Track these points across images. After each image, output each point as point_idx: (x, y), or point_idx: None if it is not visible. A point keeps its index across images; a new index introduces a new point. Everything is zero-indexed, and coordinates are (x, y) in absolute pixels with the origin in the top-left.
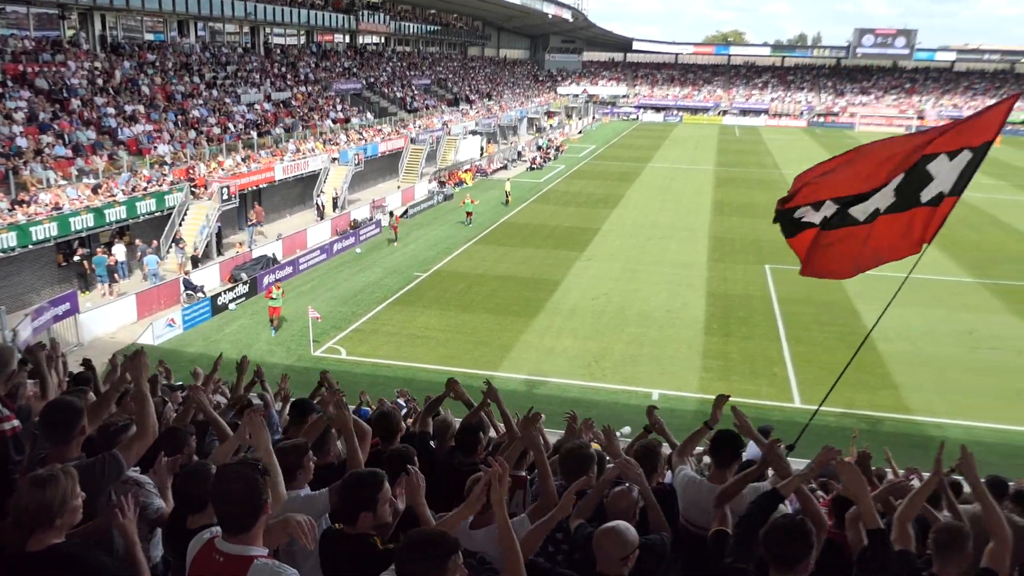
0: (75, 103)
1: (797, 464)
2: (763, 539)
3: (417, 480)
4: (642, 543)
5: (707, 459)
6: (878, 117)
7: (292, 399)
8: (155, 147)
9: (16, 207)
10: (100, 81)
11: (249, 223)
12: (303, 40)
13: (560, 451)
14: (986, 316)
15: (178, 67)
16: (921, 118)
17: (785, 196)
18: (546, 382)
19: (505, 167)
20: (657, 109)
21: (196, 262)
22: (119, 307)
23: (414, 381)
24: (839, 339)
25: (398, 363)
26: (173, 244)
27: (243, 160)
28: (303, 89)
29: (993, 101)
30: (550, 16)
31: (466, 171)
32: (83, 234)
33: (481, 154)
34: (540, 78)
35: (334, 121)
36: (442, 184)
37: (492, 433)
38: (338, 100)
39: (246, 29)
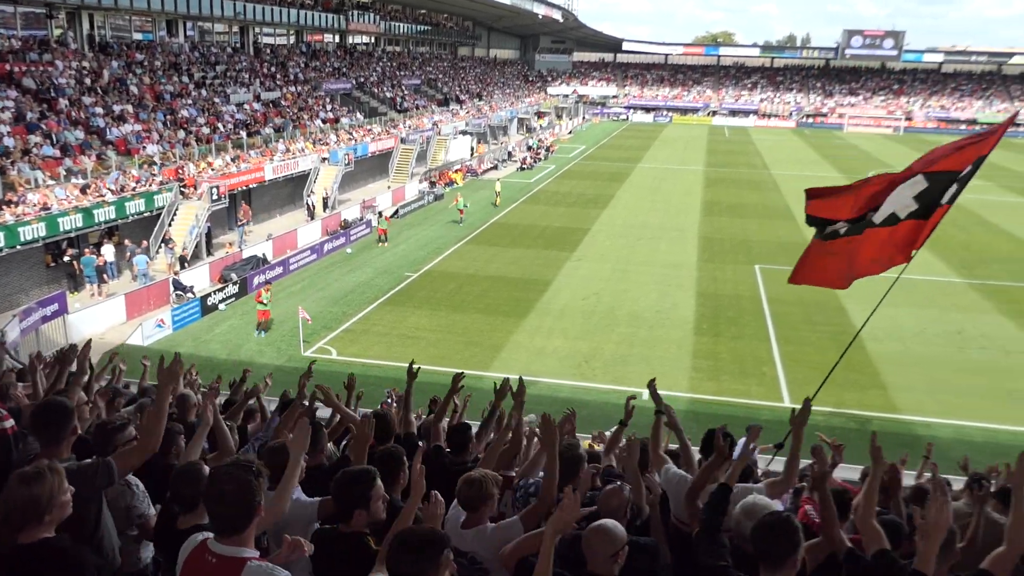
0: (63, 103)
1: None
2: (750, 537)
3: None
4: (632, 542)
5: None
6: (866, 118)
7: (281, 400)
8: (144, 147)
9: (4, 207)
10: (88, 81)
11: (239, 223)
12: (293, 40)
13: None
14: (975, 316)
15: (167, 67)
16: (909, 119)
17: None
18: (536, 382)
19: (495, 167)
20: (647, 109)
21: (183, 262)
22: (108, 308)
23: (404, 381)
24: (829, 339)
25: (388, 363)
26: (162, 244)
27: (233, 160)
28: (293, 89)
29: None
30: (540, 16)
31: (456, 171)
32: (72, 234)
33: (471, 154)
34: (530, 78)
35: (324, 121)
36: (432, 184)
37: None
38: (328, 100)
39: (235, 29)
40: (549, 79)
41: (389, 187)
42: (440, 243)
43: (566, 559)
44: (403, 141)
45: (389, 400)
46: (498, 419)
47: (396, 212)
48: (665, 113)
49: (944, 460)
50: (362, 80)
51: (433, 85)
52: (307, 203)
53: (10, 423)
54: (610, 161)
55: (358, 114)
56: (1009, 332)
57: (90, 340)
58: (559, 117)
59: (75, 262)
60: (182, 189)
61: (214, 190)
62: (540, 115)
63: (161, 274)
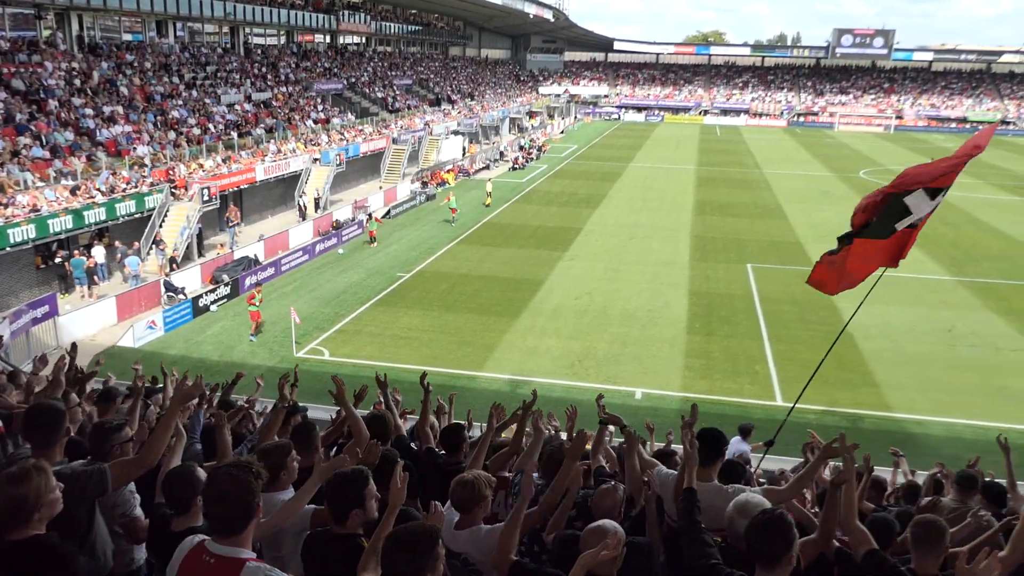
0: (52, 104)
1: (780, 462)
2: (744, 535)
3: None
4: (629, 542)
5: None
6: (857, 117)
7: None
8: (134, 148)
9: None
10: (78, 82)
11: (230, 224)
12: (283, 40)
13: (543, 452)
14: (965, 314)
15: (157, 67)
16: (900, 118)
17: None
18: (529, 382)
19: (487, 167)
20: (638, 109)
21: (173, 263)
22: (99, 309)
23: (397, 382)
24: (821, 337)
25: (381, 364)
26: (153, 246)
27: (224, 161)
28: (284, 89)
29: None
30: (531, 16)
31: (448, 171)
32: (62, 236)
33: (463, 154)
34: (522, 78)
35: (315, 121)
36: (424, 184)
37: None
38: (319, 100)
39: (226, 29)
40: (540, 79)
41: (381, 187)
42: (432, 243)
43: (564, 559)
44: (395, 141)
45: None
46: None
47: (388, 212)
48: (657, 112)
49: (937, 457)
50: (353, 80)
51: (424, 85)
52: (299, 204)
53: None
54: (602, 161)
55: (349, 114)
56: (999, 329)
57: (74, 344)
58: (551, 117)
59: (66, 264)
60: (173, 190)
61: (205, 191)
62: (532, 115)
63: (152, 275)
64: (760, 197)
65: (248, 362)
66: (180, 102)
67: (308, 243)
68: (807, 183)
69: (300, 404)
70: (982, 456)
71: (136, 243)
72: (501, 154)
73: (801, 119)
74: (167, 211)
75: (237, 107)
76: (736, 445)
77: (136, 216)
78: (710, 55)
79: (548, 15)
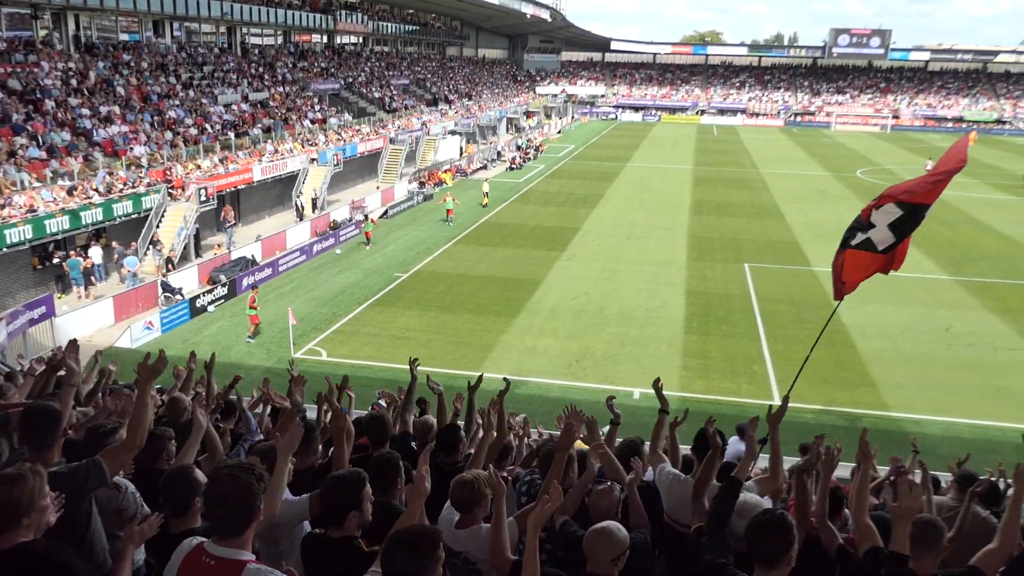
0: (49, 104)
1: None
2: (744, 536)
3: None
4: (631, 543)
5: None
6: (854, 116)
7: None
8: (131, 148)
9: None
10: (74, 82)
11: (227, 225)
12: (280, 40)
13: (540, 451)
14: (962, 313)
15: (154, 67)
16: (896, 117)
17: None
18: (527, 382)
19: (485, 167)
20: (636, 109)
21: (170, 263)
22: (96, 310)
23: (395, 382)
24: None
25: (379, 364)
26: (150, 246)
27: (221, 161)
28: (281, 89)
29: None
30: (528, 16)
31: (446, 171)
32: (59, 237)
33: (461, 154)
34: (519, 78)
35: (312, 121)
36: (422, 184)
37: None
38: (316, 100)
39: (223, 29)
40: (538, 79)
41: (378, 187)
42: (430, 243)
43: (567, 560)
44: (392, 141)
45: (380, 401)
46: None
47: (385, 212)
48: (654, 112)
49: (934, 456)
50: (350, 80)
51: (422, 85)
52: (296, 204)
53: None
54: (599, 160)
55: (347, 114)
56: (996, 329)
57: (75, 340)
58: (548, 117)
59: (63, 264)
60: (170, 191)
61: (202, 191)
62: (529, 115)
63: (149, 276)
64: (757, 197)
65: (246, 363)
66: (177, 102)
67: (305, 243)
68: (804, 183)
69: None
70: (979, 455)
71: (133, 244)
72: (498, 154)
73: (798, 119)
74: (164, 211)
75: (234, 107)
76: (734, 445)
77: (133, 216)
78: (707, 55)
79: (545, 15)
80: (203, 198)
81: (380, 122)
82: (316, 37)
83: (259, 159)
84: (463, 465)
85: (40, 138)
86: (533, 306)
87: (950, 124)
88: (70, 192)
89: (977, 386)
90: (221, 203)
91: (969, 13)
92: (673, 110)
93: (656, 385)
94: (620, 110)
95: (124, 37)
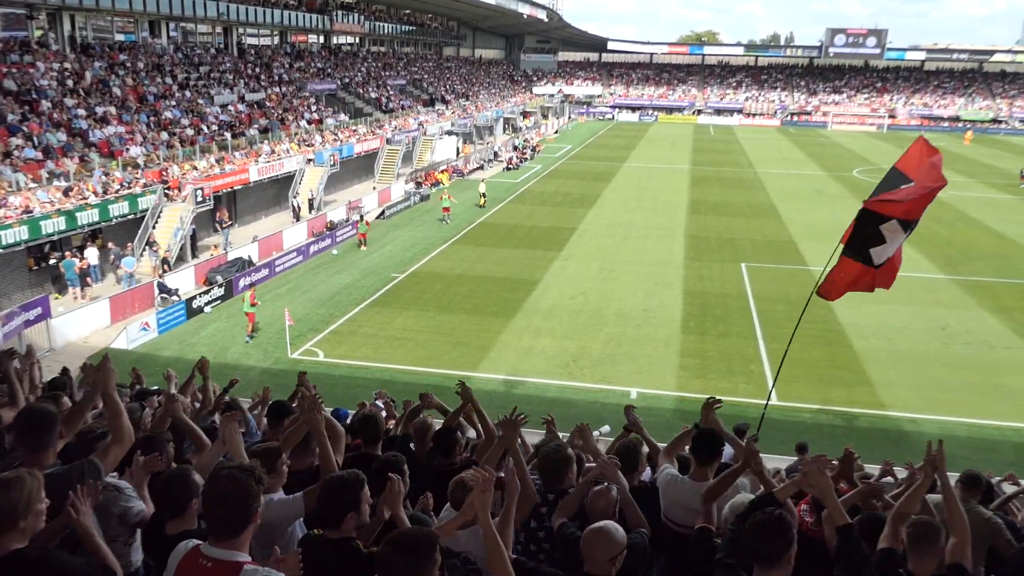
0: (45, 104)
1: (774, 461)
2: (744, 535)
3: (398, 488)
4: (628, 543)
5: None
6: (850, 116)
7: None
8: (127, 149)
9: None
10: (70, 82)
11: (224, 225)
12: (277, 40)
13: (538, 453)
14: (958, 312)
15: (150, 68)
16: (893, 117)
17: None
18: (524, 382)
19: (482, 167)
20: (632, 109)
21: (166, 264)
22: (92, 311)
23: (392, 383)
24: (815, 336)
25: (376, 365)
26: (147, 247)
27: (217, 162)
28: (277, 90)
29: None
30: (525, 16)
31: (443, 171)
32: (55, 237)
33: (457, 154)
34: (516, 78)
35: (309, 122)
36: (419, 185)
37: (471, 433)
38: (313, 101)
39: (219, 29)
40: (535, 79)
41: (375, 188)
42: (427, 244)
43: (564, 560)
44: (389, 142)
45: (377, 402)
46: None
47: (382, 213)
48: (651, 112)
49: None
50: (347, 81)
51: (418, 85)
52: (292, 205)
53: None
54: (596, 160)
55: (343, 115)
56: (993, 328)
57: (30, 346)
58: (545, 117)
59: (59, 265)
60: (166, 191)
61: (198, 192)
62: (526, 115)
63: (146, 277)
64: (754, 196)
65: (243, 364)
66: (173, 102)
67: (302, 244)
68: (801, 182)
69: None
70: (975, 453)
71: (129, 244)
72: (495, 154)
73: (795, 118)
74: (160, 212)
75: (230, 108)
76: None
77: (129, 217)
78: (704, 55)
79: (542, 15)
80: (199, 199)
81: (377, 122)
82: (312, 37)
83: (255, 160)
84: (461, 466)
85: (36, 139)
86: (530, 306)
87: (946, 123)
88: (66, 193)
89: (974, 385)
90: (217, 204)
91: (965, 13)
92: (670, 110)
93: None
94: (617, 110)
95: (120, 37)
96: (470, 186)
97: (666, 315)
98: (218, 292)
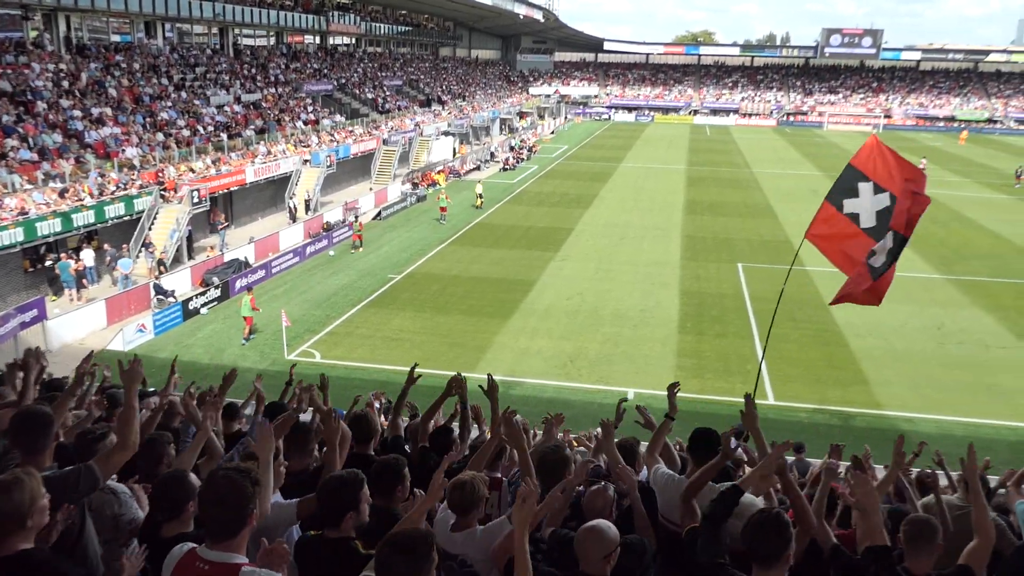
0: (40, 106)
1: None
2: (742, 535)
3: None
4: (622, 542)
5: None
6: (846, 116)
7: (267, 402)
8: (123, 150)
9: None
10: (66, 83)
11: (220, 227)
12: (273, 41)
13: (535, 454)
14: (954, 311)
15: (146, 69)
16: (888, 117)
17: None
18: (522, 383)
19: (478, 168)
20: (629, 109)
21: (161, 265)
22: (88, 313)
23: (389, 384)
24: (811, 336)
25: (373, 366)
26: (143, 249)
27: (213, 163)
28: (273, 91)
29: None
30: (521, 16)
31: (439, 172)
32: (50, 239)
33: (454, 155)
34: (512, 79)
35: (305, 123)
36: (415, 185)
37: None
38: (309, 101)
39: (215, 30)
40: (531, 79)
41: (371, 189)
42: (423, 244)
43: (558, 559)
44: (385, 142)
45: (374, 403)
46: (477, 418)
47: (379, 214)
48: (647, 112)
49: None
50: (343, 81)
51: (415, 86)
52: (289, 206)
53: None
54: (593, 161)
55: (339, 115)
56: (988, 327)
57: (37, 348)
58: (541, 117)
59: (55, 267)
60: (162, 192)
61: (194, 193)
62: (522, 115)
63: (142, 278)
64: (750, 196)
65: (239, 365)
66: (169, 103)
67: (299, 245)
68: (797, 182)
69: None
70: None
71: (125, 246)
72: (492, 155)
73: (791, 119)
74: (156, 214)
75: (227, 108)
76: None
77: (125, 219)
78: (699, 55)
79: (538, 15)
80: (195, 200)
81: (373, 123)
82: (309, 38)
83: (252, 161)
84: (457, 466)
85: (31, 140)
86: (527, 307)
87: (942, 123)
88: (62, 194)
89: (969, 384)
90: (214, 205)
91: (960, 13)
92: (666, 110)
93: (671, 389)
94: (613, 110)
95: (116, 38)
96: (467, 187)
97: (663, 315)
98: (214, 294)
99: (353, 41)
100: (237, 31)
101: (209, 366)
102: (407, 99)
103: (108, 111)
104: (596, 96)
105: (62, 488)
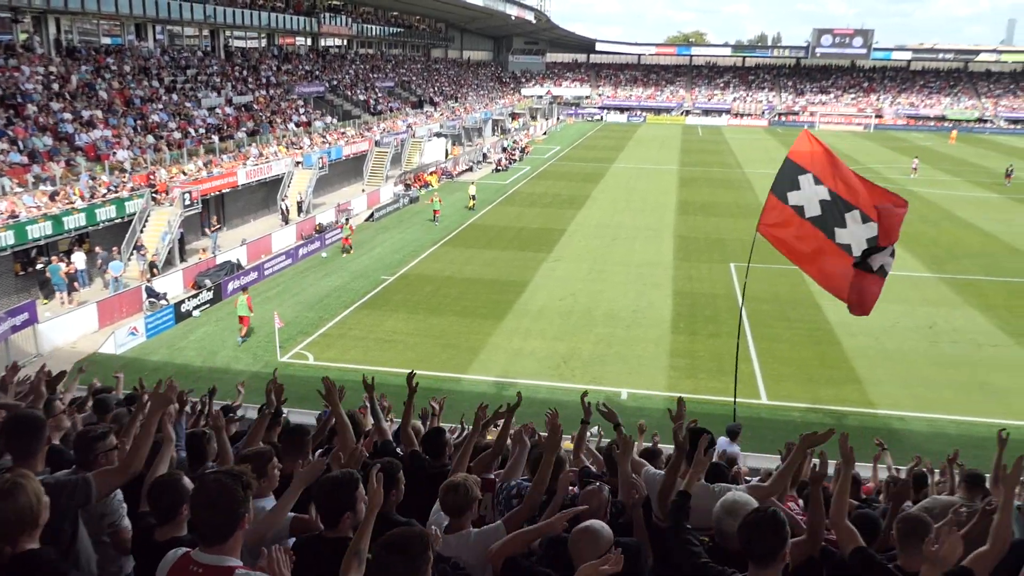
0: (30, 108)
1: (763, 460)
2: (738, 534)
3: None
4: (617, 542)
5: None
6: (837, 116)
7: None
8: (114, 153)
9: None
10: (56, 86)
11: (212, 229)
12: (264, 43)
13: (530, 455)
14: (946, 310)
15: (136, 71)
16: (879, 116)
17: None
18: (515, 384)
19: (471, 169)
20: (621, 110)
21: (153, 268)
22: (80, 316)
23: (382, 386)
24: (804, 335)
25: (366, 368)
26: (134, 251)
27: (205, 165)
28: (265, 92)
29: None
30: (513, 17)
31: (432, 173)
32: (41, 242)
33: (446, 156)
34: (504, 80)
35: (297, 124)
36: (408, 187)
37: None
38: (301, 103)
39: (206, 32)
40: (523, 80)
41: (364, 190)
42: (416, 246)
43: (552, 560)
44: (377, 144)
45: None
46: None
47: (372, 215)
48: (639, 113)
49: (920, 453)
50: (335, 83)
51: (407, 87)
52: (281, 207)
53: None
54: (585, 162)
55: (331, 117)
56: (980, 326)
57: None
58: (533, 118)
59: (46, 270)
60: (154, 195)
61: (186, 196)
62: (514, 116)
63: (134, 281)
64: (742, 196)
65: (232, 367)
66: (160, 106)
67: (291, 247)
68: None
69: (282, 408)
70: (965, 451)
71: (117, 249)
72: (484, 156)
73: (782, 119)
74: (148, 216)
75: (218, 110)
76: (724, 447)
77: (116, 221)
78: (691, 56)
79: (530, 16)
80: (187, 202)
81: (365, 125)
82: (300, 40)
83: (244, 163)
84: (450, 468)
85: (21, 143)
86: (520, 308)
87: (932, 123)
88: (52, 197)
89: (961, 383)
90: (205, 207)
91: (950, 13)
92: (658, 111)
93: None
94: (605, 111)
95: (106, 41)
96: (459, 188)
97: (656, 316)
98: (207, 296)
99: (345, 43)
100: (228, 33)
101: (201, 368)
102: (399, 100)
103: (99, 114)
104: (588, 97)
105: (55, 498)
